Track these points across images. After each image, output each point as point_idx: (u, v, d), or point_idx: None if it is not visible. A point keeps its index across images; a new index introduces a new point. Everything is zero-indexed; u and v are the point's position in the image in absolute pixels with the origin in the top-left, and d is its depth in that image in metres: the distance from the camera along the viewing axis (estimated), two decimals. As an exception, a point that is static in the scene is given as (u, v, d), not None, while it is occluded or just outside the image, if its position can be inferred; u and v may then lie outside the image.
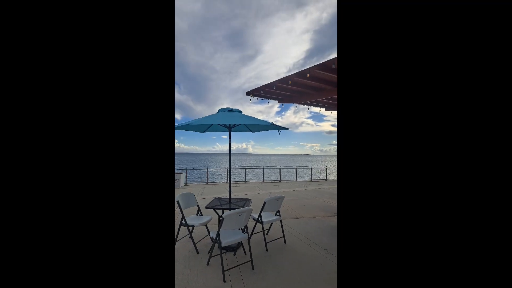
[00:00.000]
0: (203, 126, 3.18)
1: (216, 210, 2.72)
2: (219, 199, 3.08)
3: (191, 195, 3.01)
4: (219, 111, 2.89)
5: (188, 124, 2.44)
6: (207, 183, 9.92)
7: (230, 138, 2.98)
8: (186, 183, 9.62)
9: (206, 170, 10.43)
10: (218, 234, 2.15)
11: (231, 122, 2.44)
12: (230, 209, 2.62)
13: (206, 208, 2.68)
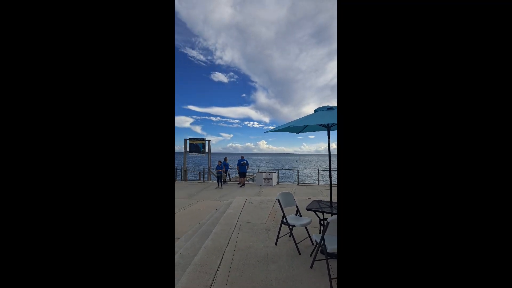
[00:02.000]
0: (300, 127, 3.19)
1: (316, 213, 2.64)
2: (318, 201, 2.98)
3: (290, 195, 3.08)
4: (316, 110, 2.80)
5: (289, 126, 2.51)
6: (297, 183, 9.97)
7: (329, 138, 2.82)
8: (278, 183, 10.07)
9: (296, 171, 10.51)
10: (322, 239, 2.07)
11: (331, 122, 2.29)
12: (331, 213, 2.46)
13: (307, 209, 2.65)
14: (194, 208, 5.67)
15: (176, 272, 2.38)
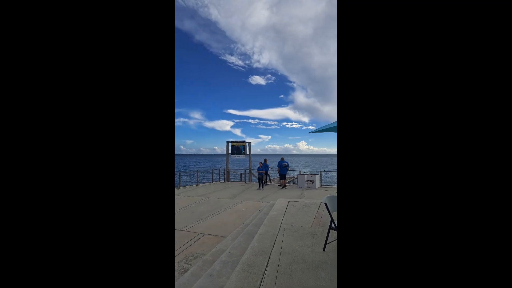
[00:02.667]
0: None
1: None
2: (370, 206, 2.72)
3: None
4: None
5: (335, 126, 2.37)
6: (343, 186, 9.36)
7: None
8: (321, 185, 9.65)
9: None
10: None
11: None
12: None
13: (358, 215, 2.44)
14: (238, 208, 5.86)
15: (225, 269, 2.48)
